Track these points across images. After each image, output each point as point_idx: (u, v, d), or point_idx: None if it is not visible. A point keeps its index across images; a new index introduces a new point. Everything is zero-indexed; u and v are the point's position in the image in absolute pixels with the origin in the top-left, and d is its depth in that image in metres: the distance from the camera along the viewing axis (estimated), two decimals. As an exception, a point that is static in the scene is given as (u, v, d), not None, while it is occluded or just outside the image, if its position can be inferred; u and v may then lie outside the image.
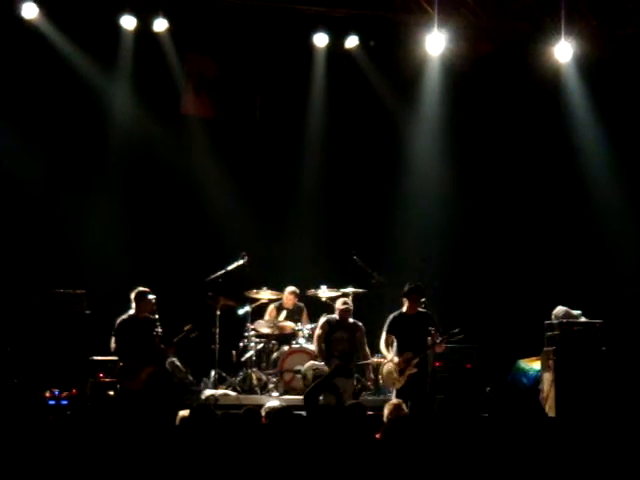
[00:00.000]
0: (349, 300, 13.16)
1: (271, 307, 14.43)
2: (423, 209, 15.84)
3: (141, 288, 12.37)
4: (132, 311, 12.32)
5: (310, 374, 12.98)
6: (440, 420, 7.56)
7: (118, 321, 12.21)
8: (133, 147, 15.08)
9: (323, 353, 12.82)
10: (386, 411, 8.86)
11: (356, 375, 13.20)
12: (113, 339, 12.10)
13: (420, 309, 12.39)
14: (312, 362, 13.10)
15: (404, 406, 9.12)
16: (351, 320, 12.91)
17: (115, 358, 12.28)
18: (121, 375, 12.01)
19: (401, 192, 15.97)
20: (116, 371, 12.10)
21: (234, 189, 15.50)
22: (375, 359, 12.77)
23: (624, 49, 14.90)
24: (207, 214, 15.39)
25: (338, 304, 12.98)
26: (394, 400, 9.93)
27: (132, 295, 12.35)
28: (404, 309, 12.44)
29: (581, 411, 12.03)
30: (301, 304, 14.41)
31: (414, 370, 12.03)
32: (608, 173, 15.57)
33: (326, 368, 12.68)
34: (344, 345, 12.78)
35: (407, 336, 12.22)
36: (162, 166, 15.19)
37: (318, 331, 13.02)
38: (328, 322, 12.94)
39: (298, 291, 14.34)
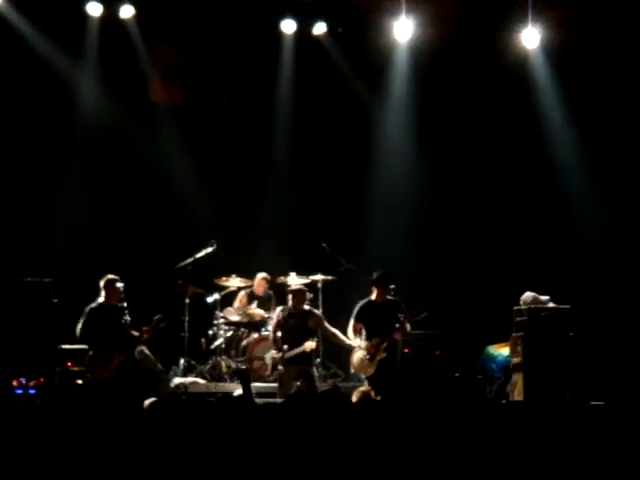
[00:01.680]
0: (302, 286, 13.25)
1: (242, 294, 14.39)
2: (392, 195, 15.85)
3: (110, 276, 12.38)
4: (101, 299, 12.34)
5: (270, 362, 13.06)
6: (409, 406, 7.57)
7: (87, 309, 12.23)
8: (100, 135, 14.97)
9: (277, 342, 12.90)
10: (354, 398, 8.87)
11: (318, 359, 13.33)
12: (80, 325, 12.15)
13: (389, 297, 12.42)
14: (274, 350, 13.14)
15: (372, 393, 9.13)
16: (306, 307, 12.94)
17: (84, 347, 12.29)
18: (91, 363, 12.01)
19: (370, 178, 15.97)
20: (86, 359, 12.08)
21: (203, 176, 15.44)
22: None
23: (590, 35, 14.96)
24: (176, 202, 15.32)
25: (291, 288, 13.15)
26: (363, 387, 9.94)
27: (101, 283, 12.36)
28: (373, 297, 12.49)
29: (549, 396, 12.09)
30: (271, 292, 14.39)
31: (384, 355, 12.09)
32: (576, 158, 15.65)
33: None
34: (294, 333, 12.83)
35: (376, 324, 12.28)
36: (130, 153, 15.10)
37: (274, 320, 13.12)
38: (282, 311, 13.03)
39: (269, 278, 14.34)
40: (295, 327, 12.87)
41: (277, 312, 13.20)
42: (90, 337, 12.20)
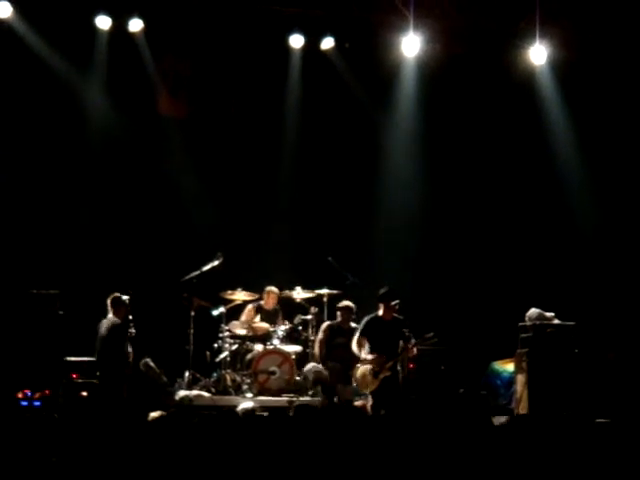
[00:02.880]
0: (351, 303, 13.27)
1: (249, 307, 14.38)
2: (398, 209, 15.86)
3: (117, 293, 12.51)
4: (111, 315, 12.49)
5: (311, 376, 13.06)
6: (413, 421, 7.58)
7: (111, 325, 12.37)
8: (108, 147, 15.03)
9: (322, 357, 12.94)
10: None
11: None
12: (107, 340, 12.27)
13: (395, 315, 12.44)
14: (314, 364, 13.13)
15: (368, 407, 9.13)
16: (353, 325, 12.97)
17: (92, 359, 12.44)
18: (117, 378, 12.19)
19: (377, 193, 15.99)
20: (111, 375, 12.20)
21: (210, 189, 15.46)
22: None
23: (596, 52, 15.00)
24: (183, 215, 15.35)
25: (340, 305, 13.13)
26: (357, 402, 9.98)
27: (109, 300, 12.48)
28: (380, 313, 12.49)
29: (554, 412, 12.08)
30: (278, 306, 14.40)
31: (388, 373, 12.09)
32: (583, 175, 15.67)
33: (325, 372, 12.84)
34: (343, 351, 12.86)
35: (381, 340, 12.30)
36: (137, 166, 15.14)
37: (320, 335, 13.23)
38: (330, 327, 13.07)
39: (278, 292, 14.34)
40: (344, 345, 12.91)
41: (324, 327, 13.23)
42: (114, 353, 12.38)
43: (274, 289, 14.30)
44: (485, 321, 15.01)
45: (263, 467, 6.38)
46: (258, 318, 14.21)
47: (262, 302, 14.34)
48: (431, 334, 12.37)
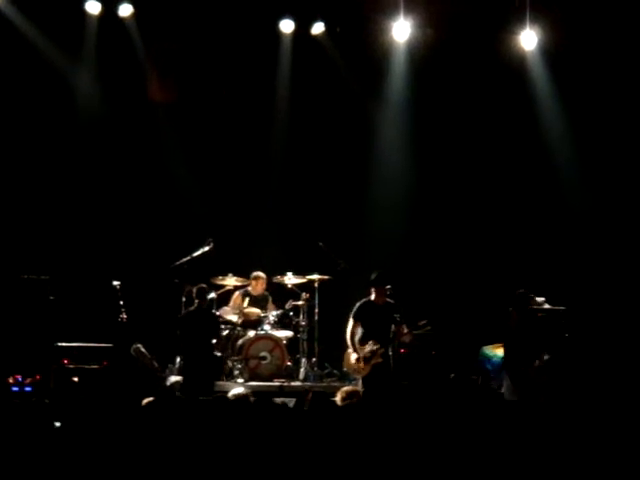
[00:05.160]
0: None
1: (236, 294, 14.39)
2: (389, 195, 15.86)
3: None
4: None
5: None
6: (403, 405, 7.60)
7: None
8: (98, 132, 14.99)
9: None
10: (338, 397, 8.84)
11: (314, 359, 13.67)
12: None
13: (388, 300, 12.44)
14: None
15: (360, 392, 9.10)
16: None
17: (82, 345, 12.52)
18: None
19: (368, 178, 15.98)
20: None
21: (200, 175, 15.45)
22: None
23: (586, 36, 15.01)
24: (173, 200, 15.34)
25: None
26: (346, 387, 9.93)
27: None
28: (372, 297, 12.48)
29: (544, 397, 12.11)
30: (266, 292, 14.38)
31: (379, 360, 12.10)
32: (574, 159, 15.69)
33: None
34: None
35: (373, 325, 12.29)
36: (127, 151, 15.11)
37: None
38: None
39: (265, 277, 14.32)
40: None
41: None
42: None
43: (261, 274, 14.29)
44: (476, 306, 15.03)
45: (254, 452, 6.40)
46: (246, 304, 14.19)
47: (249, 288, 14.33)
48: (424, 321, 12.38)
